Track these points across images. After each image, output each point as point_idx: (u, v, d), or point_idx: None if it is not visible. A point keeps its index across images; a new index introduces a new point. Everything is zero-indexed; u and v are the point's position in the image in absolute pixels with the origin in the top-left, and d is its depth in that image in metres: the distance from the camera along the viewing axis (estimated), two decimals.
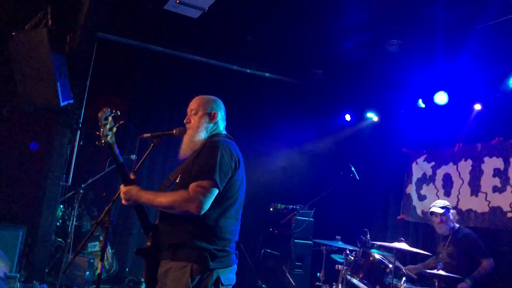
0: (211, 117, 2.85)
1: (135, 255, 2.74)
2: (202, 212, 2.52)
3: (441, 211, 5.21)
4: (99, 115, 2.54)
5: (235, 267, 2.72)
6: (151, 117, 7.31)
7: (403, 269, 5.25)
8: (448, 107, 6.12)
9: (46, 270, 6.02)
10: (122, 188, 2.68)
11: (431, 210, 5.32)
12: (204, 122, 2.83)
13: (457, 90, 5.98)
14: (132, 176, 2.71)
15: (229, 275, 2.65)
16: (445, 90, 6.02)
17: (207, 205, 2.53)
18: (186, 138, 2.83)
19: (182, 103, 3.22)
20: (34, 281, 5.65)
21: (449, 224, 5.22)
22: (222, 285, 2.59)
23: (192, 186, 2.54)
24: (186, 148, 2.81)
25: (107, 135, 2.55)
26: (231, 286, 2.68)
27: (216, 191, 2.56)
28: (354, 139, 7.86)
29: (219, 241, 2.61)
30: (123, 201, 2.68)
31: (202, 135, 2.80)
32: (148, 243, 2.72)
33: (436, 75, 6.05)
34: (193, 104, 2.90)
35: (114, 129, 2.59)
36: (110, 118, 2.57)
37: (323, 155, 8.06)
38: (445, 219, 5.20)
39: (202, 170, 2.58)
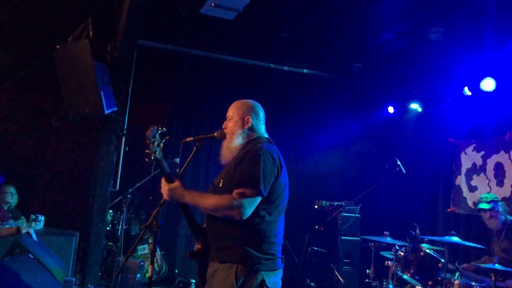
0: (245, 122, 2.88)
1: (188, 258, 2.82)
2: (244, 218, 2.55)
3: (489, 206, 5.00)
4: (147, 134, 2.62)
5: (280, 271, 2.72)
6: (192, 120, 7.38)
7: (457, 266, 5.07)
8: (496, 94, 5.87)
9: (99, 274, 6.21)
10: (165, 184, 2.70)
11: (478, 207, 5.12)
12: (238, 128, 2.86)
13: (506, 75, 5.73)
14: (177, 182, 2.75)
15: (274, 279, 2.64)
16: (492, 76, 5.78)
17: (249, 212, 2.56)
18: (224, 144, 2.88)
19: (223, 105, 3.27)
20: (89, 285, 5.85)
21: (500, 218, 5.00)
22: None
23: (236, 192, 2.58)
24: (225, 154, 2.87)
25: (155, 151, 2.64)
26: None
27: (259, 199, 2.59)
28: (399, 131, 7.67)
29: (264, 244, 2.63)
30: (165, 196, 2.70)
31: (237, 141, 2.84)
32: (198, 246, 2.79)
33: (481, 61, 5.82)
34: (229, 110, 2.96)
35: (161, 145, 2.69)
36: (157, 136, 2.66)
37: (367, 149, 7.91)
38: (495, 213, 4.99)
39: (246, 177, 2.60)
